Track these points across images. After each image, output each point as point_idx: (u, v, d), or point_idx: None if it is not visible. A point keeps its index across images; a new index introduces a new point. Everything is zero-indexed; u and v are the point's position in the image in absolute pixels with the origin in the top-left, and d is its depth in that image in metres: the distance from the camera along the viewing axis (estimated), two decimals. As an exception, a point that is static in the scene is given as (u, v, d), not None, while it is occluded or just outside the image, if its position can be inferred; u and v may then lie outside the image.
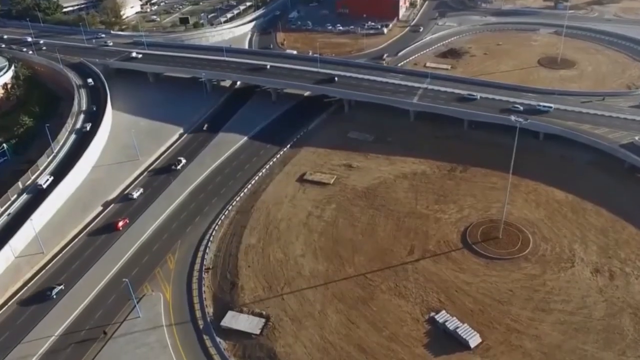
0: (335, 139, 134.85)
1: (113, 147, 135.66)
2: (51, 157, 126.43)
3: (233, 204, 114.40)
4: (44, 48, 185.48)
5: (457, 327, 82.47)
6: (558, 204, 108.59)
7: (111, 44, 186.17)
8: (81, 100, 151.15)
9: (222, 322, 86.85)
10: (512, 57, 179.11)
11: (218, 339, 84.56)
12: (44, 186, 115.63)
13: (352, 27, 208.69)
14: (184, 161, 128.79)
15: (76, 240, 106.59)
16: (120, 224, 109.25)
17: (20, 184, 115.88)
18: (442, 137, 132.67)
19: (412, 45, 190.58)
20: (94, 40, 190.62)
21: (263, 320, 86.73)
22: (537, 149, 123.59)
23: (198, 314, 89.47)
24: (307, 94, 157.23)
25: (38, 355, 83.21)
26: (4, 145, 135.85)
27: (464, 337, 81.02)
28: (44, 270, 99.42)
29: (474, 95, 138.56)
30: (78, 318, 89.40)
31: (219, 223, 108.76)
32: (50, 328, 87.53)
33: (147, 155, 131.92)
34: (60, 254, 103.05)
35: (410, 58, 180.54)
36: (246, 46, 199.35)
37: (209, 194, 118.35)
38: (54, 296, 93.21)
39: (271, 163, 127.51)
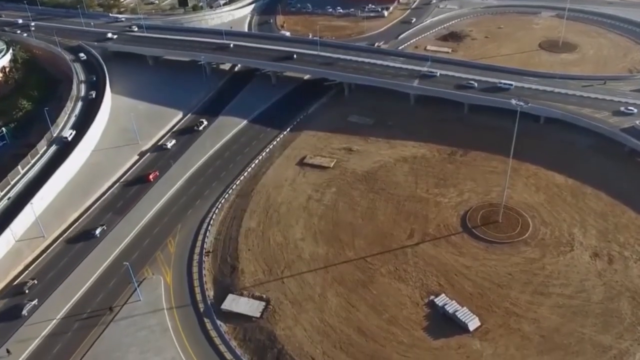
0: (336, 122, 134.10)
1: (112, 131, 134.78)
2: (50, 141, 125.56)
3: (233, 187, 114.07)
4: (35, 30, 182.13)
5: (457, 311, 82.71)
6: (558, 188, 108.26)
7: (136, 29, 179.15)
8: (80, 83, 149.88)
9: (222, 306, 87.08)
10: (513, 41, 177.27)
11: (218, 322, 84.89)
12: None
13: (352, 9, 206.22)
14: (205, 123, 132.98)
15: (77, 223, 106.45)
16: (151, 176, 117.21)
17: (20, 168, 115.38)
18: (442, 120, 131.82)
19: (411, 29, 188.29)
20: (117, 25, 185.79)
21: (263, 303, 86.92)
22: (538, 133, 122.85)
23: (198, 297, 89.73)
24: (307, 77, 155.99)
25: (40, 338, 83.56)
26: (3, 129, 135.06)
27: (463, 320, 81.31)
28: (44, 254, 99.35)
29: (472, 84, 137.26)
30: (79, 302, 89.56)
31: (219, 206, 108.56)
32: (51, 311, 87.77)
33: (147, 139, 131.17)
34: (61, 238, 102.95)
35: (411, 41, 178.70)
36: (245, 29, 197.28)
37: (209, 177, 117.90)
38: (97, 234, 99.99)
39: (271, 146, 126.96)
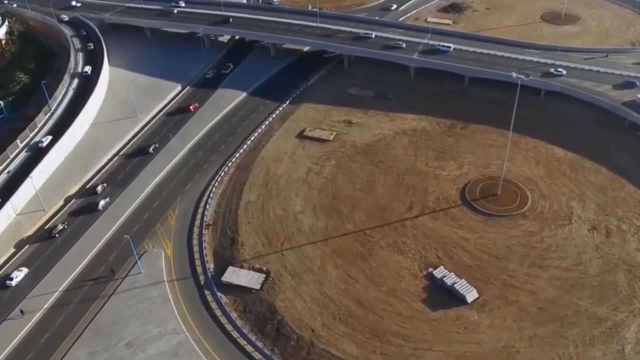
0: (335, 95, 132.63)
1: (111, 104, 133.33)
2: (49, 114, 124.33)
3: (233, 160, 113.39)
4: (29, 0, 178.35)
5: (455, 283, 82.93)
6: (557, 162, 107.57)
7: (183, 4, 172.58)
8: (77, 56, 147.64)
9: (222, 278, 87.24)
10: (514, 12, 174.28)
11: (219, 294, 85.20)
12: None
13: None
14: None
15: (77, 197, 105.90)
16: (192, 106, 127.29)
17: (19, 142, 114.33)
18: (442, 93, 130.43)
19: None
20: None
21: (263, 275, 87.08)
22: (538, 106, 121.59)
23: (199, 269, 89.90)
24: (306, 49, 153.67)
25: (42, 310, 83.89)
26: (1, 102, 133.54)
27: (461, 292, 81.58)
28: (45, 228, 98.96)
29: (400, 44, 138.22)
30: (80, 274, 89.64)
31: (218, 179, 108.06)
32: (53, 284, 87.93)
33: (146, 112, 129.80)
34: (62, 211, 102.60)
35: (411, 13, 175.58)
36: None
37: (209, 150, 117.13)
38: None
39: (270, 119, 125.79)
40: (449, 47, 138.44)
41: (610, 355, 73.37)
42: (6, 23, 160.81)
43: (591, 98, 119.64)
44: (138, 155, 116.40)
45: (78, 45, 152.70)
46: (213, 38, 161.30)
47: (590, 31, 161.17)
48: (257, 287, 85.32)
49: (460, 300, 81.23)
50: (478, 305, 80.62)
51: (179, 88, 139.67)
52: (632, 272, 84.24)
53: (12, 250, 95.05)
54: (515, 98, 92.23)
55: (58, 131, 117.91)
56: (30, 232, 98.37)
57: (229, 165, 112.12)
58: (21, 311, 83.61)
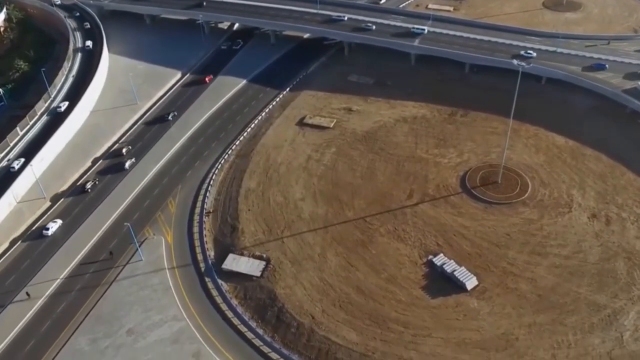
0: (335, 82, 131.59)
1: (110, 92, 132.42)
2: (48, 102, 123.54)
3: (233, 147, 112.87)
4: None
5: (455, 270, 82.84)
6: (558, 149, 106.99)
7: None
8: (76, 43, 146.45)
9: (223, 265, 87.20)
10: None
11: (219, 281, 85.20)
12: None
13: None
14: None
15: (77, 184, 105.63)
16: (207, 78, 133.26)
17: (18, 130, 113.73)
18: (443, 80, 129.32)
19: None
20: None
21: (263, 262, 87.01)
22: (539, 93, 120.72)
23: (199, 256, 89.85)
24: (306, 36, 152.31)
25: (43, 298, 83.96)
26: (0, 90, 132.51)
27: (461, 279, 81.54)
28: (45, 216, 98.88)
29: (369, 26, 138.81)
30: (80, 262, 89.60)
31: (218, 167, 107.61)
32: (54, 271, 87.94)
33: (146, 99, 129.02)
34: (62, 199, 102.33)
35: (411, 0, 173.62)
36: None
37: (209, 137, 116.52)
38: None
39: (270, 107, 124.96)
40: (423, 29, 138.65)
41: (609, 342, 73.47)
42: (4, 10, 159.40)
43: (593, 86, 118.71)
44: (138, 142, 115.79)
45: (77, 32, 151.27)
46: (213, 25, 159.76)
47: (592, 18, 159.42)
48: (258, 274, 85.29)
49: (459, 287, 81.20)
50: (478, 293, 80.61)
51: (179, 75, 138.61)
52: (631, 259, 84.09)
53: (14, 237, 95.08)
54: (516, 85, 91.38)
55: (58, 118, 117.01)
56: (30, 220, 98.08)
57: (229, 152, 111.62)
58: (27, 294, 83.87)
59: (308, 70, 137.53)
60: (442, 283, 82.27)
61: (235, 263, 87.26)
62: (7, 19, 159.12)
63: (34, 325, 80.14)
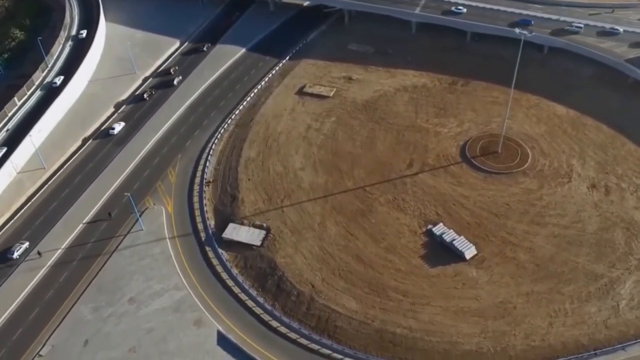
0: (335, 50, 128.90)
1: (108, 61, 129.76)
2: (46, 71, 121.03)
3: (232, 117, 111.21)
4: None
5: (454, 240, 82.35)
6: (559, 119, 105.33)
7: None
8: (73, 11, 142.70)
9: (223, 234, 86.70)
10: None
11: (220, 250, 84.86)
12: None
13: None
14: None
15: (77, 154, 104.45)
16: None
17: (16, 100, 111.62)
18: (444, 49, 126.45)
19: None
20: None
21: (263, 232, 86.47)
22: (541, 62, 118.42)
23: (200, 226, 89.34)
24: (306, 3, 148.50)
25: (46, 267, 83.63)
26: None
27: (460, 249, 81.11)
28: (46, 186, 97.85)
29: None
30: (82, 232, 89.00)
31: (218, 136, 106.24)
32: (56, 241, 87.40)
33: (144, 68, 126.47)
34: (62, 169, 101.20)
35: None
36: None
37: (208, 107, 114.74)
38: None
39: (270, 75, 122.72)
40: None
41: (605, 311, 73.47)
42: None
43: (595, 55, 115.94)
44: (137, 110, 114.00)
45: (73, 0, 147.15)
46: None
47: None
48: (258, 243, 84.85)
49: (458, 256, 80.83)
50: (476, 262, 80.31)
51: (177, 44, 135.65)
52: (629, 230, 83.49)
53: (16, 208, 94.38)
54: (518, 54, 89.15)
55: (56, 88, 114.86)
56: (32, 190, 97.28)
57: (229, 122, 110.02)
58: (39, 252, 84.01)
59: (308, 38, 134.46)
60: (441, 252, 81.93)
61: (235, 232, 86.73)
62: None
63: (35, 294, 79.98)
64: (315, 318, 75.18)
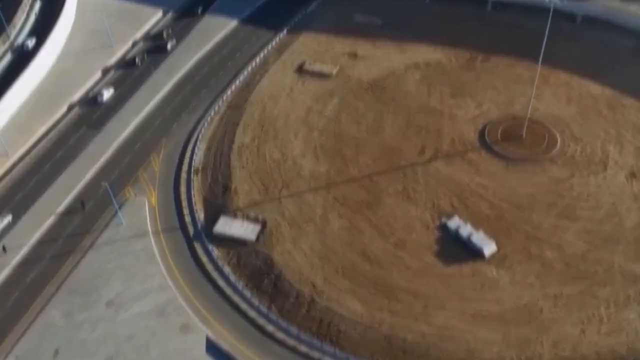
0: (339, 22, 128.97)
1: (80, 34, 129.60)
2: (7, 44, 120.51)
3: (224, 97, 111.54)
4: None
5: (471, 235, 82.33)
6: (593, 99, 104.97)
7: None
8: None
9: (214, 229, 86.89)
10: None
11: (210, 247, 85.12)
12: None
13: None
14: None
15: (45, 139, 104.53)
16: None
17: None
18: (461, 20, 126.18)
19: None
20: None
21: (259, 225, 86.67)
22: (573, 34, 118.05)
23: (187, 219, 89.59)
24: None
25: (11, 266, 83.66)
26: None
27: (477, 245, 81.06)
28: (9, 175, 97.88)
29: None
30: (52, 227, 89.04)
31: (208, 119, 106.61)
32: (22, 237, 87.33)
33: (122, 42, 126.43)
34: (27, 157, 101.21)
35: None
36: None
37: (197, 85, 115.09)
38: None
39: (266, 51, 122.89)
40: None
41: (646, 316, 73.57)
42: None
43: (637, 25, 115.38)
44: (118, 84, 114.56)
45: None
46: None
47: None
48: (253, 238, 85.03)
49: (476, 253, 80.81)
50: (497, 260, 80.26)
51: (159, 14, 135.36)
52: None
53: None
54: (547, 25, 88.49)
55: (19, 63, 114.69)
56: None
57: (220, 103, 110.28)
58: (3, 248, 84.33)
59: (307, 9, 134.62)
60: (456, 249, 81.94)
61: (227, 226, 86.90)
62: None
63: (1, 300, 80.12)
64: (317, 321, 75.54)
